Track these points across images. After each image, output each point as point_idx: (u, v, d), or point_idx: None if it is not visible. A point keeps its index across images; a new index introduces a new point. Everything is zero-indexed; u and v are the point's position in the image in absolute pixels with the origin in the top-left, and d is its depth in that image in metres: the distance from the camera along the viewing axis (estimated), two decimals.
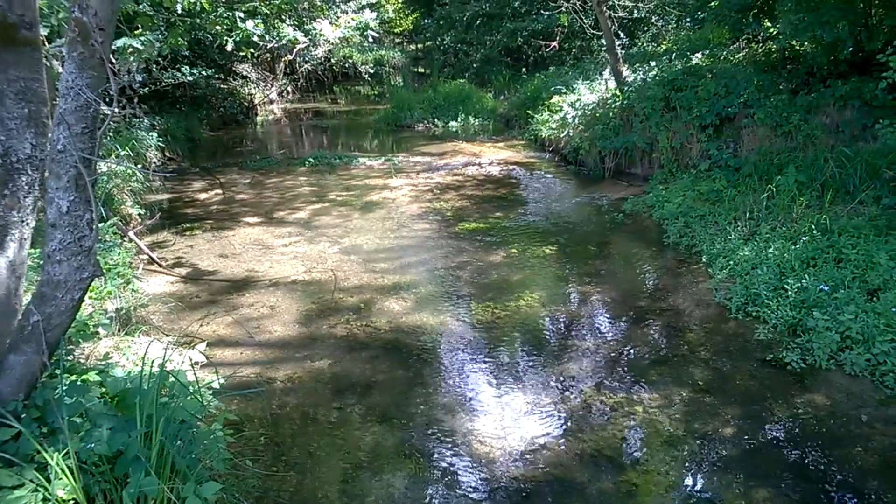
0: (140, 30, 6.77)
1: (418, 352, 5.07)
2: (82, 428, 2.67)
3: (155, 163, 11.25)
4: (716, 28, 11.68)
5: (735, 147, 8.71)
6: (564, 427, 4.07)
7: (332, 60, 22.42)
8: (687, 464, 3.69)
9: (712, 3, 11.49)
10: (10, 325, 3.05)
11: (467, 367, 4.84)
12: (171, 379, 3.09)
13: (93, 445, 2.53)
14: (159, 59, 11.23)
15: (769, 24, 9.91)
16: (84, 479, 2.51)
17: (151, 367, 3.05)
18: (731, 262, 5.98)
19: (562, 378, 4.63)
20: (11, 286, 3.09)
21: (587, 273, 6.49)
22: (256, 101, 19.18)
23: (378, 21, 7.52)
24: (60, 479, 2.41)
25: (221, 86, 17.55)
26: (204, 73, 12.37)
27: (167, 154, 12.50)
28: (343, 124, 17.95)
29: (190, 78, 11.87)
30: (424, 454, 3.86)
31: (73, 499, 2.46)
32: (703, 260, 6.45)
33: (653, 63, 11.15)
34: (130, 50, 6.08)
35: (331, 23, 7.07)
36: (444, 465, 3.76)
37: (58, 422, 2.53)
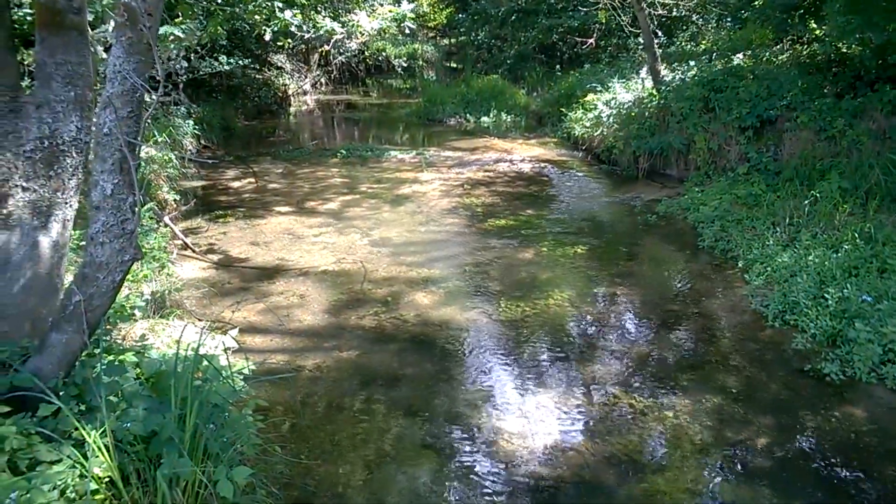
0: (181, 18, 6.84)
1: (445, 346, 5.07)
2: (118, 407, 2.71)
3: (190, 150, 11.39)
4: (758, 28, 11.49)
5: (776, 150, 8.55)
6: (591, 429, 4.04)
7: (366, 53, 22.48)
8: (716, 473, 3.63)
9: (756, 3, 11.30)
10: (52, 303, 3.11)
11: (494, 364, 4.82)
12: (205, 363, 3.12)
13: (129, 425, 2.57)
14: (198, 48, 11.37)
15: (815, 26, 9.72)
16: (119, 458, 2.55)
17: (186, 350, 3.08)
18: (769, 269, 5.87)
19: (589, 379, 4.59)
20: (54, 265, 3.16)
21: (618, 274, 6.42)
22: (290, 92, 19.32)
23: (414, 13, 7.50)
24: (97, 456, 2.45)
25: (257, 76, 17.71)
26: (240, 62, 12.47)
27: (202, 142, 12.65)
28: (375, 117, 18.00)
29: (227, 67, 11.97)
30: (449, 449, 3.85)
31: (109, 476, 2.50)
32: (739, 265, 6.34)
33: (692, 63, 10.99)
34: (172, 38, 6.15)
35: (367, 14, 7.07)
36: (468, 460, 3.75)
37: (95, 400, 2.57)
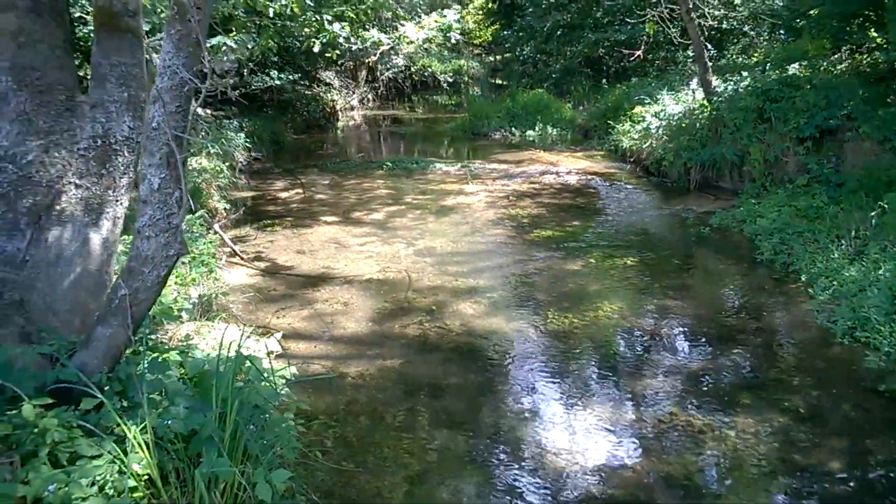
0: (234, 32, 6.96)
1: (490, 357, 4.95)
2: (160, 405, 2.69)
3: (241, 162, 11.58)
4: (815, 39, 11.13)
5: (837, 161, 8.21)
6: (644, 447, 3.85)
7: (412, 69, 22.64)
8: (782, 498, 3.41)
9: (812, 12, 10.96)
10: (101, 300, 3.12)
11: (541, 376, 4.68)
12: (248, 364, 3.09)
13: (169, 422, 2.54)
14: (249, 63, 11.58)
15: (875, 34, 9.35)
16: (159, 455, 2.51)
17: (229, 350, 3.05)
18: (835, 283, 5.58)
19: (642, 395, 4.41)
20: (104, 262, 3.18)
21: (670, 287, 6.21)
22: (338, 107, 19.55)
23: (460, 25, 7.48)
24: (137, 452, 2.41)
25: (306, 92, 17.98)
26: (290, 77, 12.65)
27: (253, 154, 12.85)
28: (420, 131, 18.06)
29: (277, 82, 12.15)
30: (494, 463, 3.73)
31: (148, 474, 2.47)
32: (802, 279, 6.06)
33: (744, 73, 10.70)
34: (224, 49, 6.25)
35: (414, 25, 7.08)
36: (513, 475, 3.62)
37: (138, 397, 2.54)
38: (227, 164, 10.18)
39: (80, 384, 2.53)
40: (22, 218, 2.93)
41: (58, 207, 2.99)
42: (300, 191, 10.51)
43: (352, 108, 21.00)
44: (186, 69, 2.44)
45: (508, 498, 3.44)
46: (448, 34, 7.03)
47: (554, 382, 4.60)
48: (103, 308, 2.74)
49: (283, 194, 10.33)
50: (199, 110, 12.44)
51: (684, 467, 3.64)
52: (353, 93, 21.52)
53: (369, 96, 22.82)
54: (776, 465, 3.63)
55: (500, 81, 25.14)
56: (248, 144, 11.87)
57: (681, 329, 5.41)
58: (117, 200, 3.20)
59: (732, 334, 5.23)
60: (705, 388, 4.46)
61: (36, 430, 2.32)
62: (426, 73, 23.76)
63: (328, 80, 19.71)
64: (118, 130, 3.17)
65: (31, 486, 2.14)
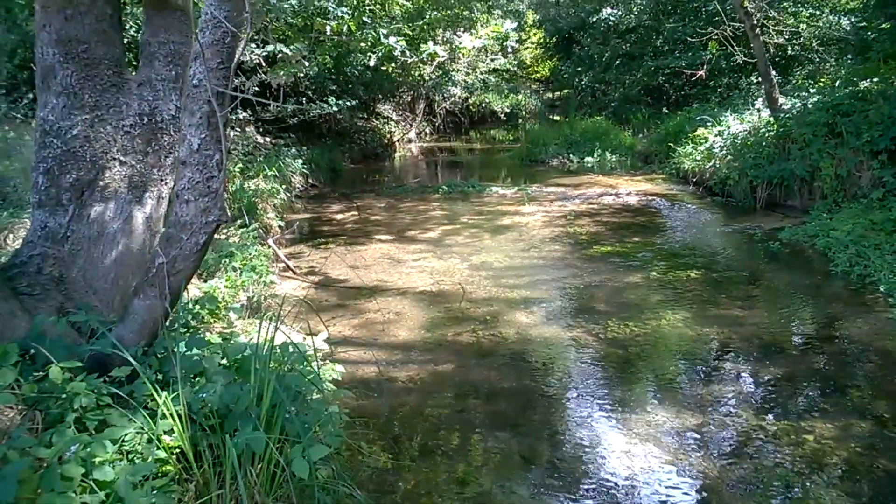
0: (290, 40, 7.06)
1: (547, 363, 4.70)
2: (197, 383, 2.56)
3: (298, 187, 11.73)
4: (887, 58, 10.61)
5: None
6: (714, 450, 3.53)
7: (470, 101, 22.79)
8: (871, 501, 3.03)
9: (884, 25, 10.49)
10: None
11: (601, 381, 4.40)
12: (291, 349, 2.94)
13: (204, 395, 2.40)
14: (307, 89, 11.79)
15: None
16: (192, 430, 2.37)
17: (273, 340, 2.92)
18: None
19: (711, 399, 4.07)
20: (146, 241, 3.12)
21: (739, 297, 5.84)
22: (395, 139, 19.76)
23: (517, 34, 7.41)
24: (168, 421, 2.28)
25: (364, 123, 18.26)
26: (348, 104, 12.80)
27: (310, 181, 13.01)
28: (476, 160, 18.02)
29: (335, 109, 12.32)
30: (550, 466, 3.46)
31: (179, 447, 2.32)
32: (882, 290, 5.61)
33: (812, 90, 10.26)
34: (280, 55, 6.32)
35: (470, 34, 7.04)
36: (571, 477, 3.35)
37: (174, 373, 2.42)
38: (283, 186, 10.30)
39: (116, 358, 2.43)
40: (64, 193, 2.91)
41: (101, 183, 2.96)
42: (355, 213, 10.51)
43: (409, 141, 21.21)
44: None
45: (566, 498, 3.17)
46: (504, 43, 6.94)
47: (616, 386, 4.32)
48: (140, 278, 2.65)
49: (339, 216, 10.36)
50: (259, 138, 12.73)
51: (758, 471, 3.30)
52: (411, 125, 21.76)
53: (427, 129, 23.04)
54: (861, 469, 3.26)
55: (557, 118, 25.04)
56: (305, 171, 12.02)
57: (751, 337, 5.03)
58: (162, 179, 3.15)
59: (808, 343, 4.85)
60: (780, 393, 4.10)
61: (64, 394, 2.21)
62: (483, 107, 23.88)
63: (386, 113, 20.01)
64: (165, 109, 3.15)
65: (52, 448, 2.02)
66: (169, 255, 2.48)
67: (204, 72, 2.36)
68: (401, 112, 21.39)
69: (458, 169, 16.58)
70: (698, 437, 3.66)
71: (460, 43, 6.88)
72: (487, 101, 22.95)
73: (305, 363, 2.95)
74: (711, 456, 3.48)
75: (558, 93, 27.46)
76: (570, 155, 15.48)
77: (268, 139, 12.96)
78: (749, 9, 10.23)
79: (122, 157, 3.02)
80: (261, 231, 7.52)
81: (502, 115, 23.07)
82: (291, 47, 6.52)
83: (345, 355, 4.92)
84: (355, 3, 6.51)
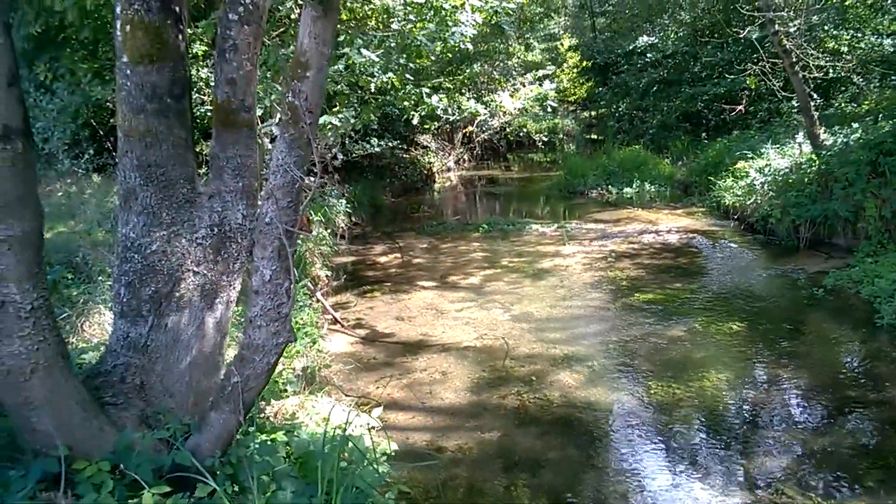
0: (338, 107, 7.38)
1: (591, 430, 4.83)
2: (269, 489, 2.79)
3: (342, 228, 12.05)
4: None
5: None
6: None
7: (507, 130, 23.01)
8: None
9: None
10: (214, 380, 3.30)
11: (644, 451, 4.51)
12: (350, 444, 3.15)
13: None
14: (352, 133, 12.14)
15: None
16: None
17: (334, 432, 3.13)
18: None
19: (754, 472, 4.15)
20: (217, 343, 3.37)
21: (783, 354, 5.87)
22: (435, 170, 20.07)
23: (556, 94, 7.61)
24: None
25: (404, 155, 18.60)
26: (390, 144, 13.15)
27: (353, 219, 13.35)
28: (515, 191, 18.20)
29: (377, 149, 12.67)
30: None
31: None
32: None
33: (855, 125, 10.18)
34: (329, 126, 6.63)
35: (510, 95, 7.26)
36: None
37: (248, 481, 2.65)
38: (328, 230, 10.62)
39: (193, 469, 2.67)
40: (144, 305, 3.17)
41: (177, 294, 3.22)
42: (398, 255, 10.78)
43: (448, 170, 21.50)
44: (297, 167, 2.62)
45: None
46: (544, 103, 7.15)
47: (659, 456, 4.43)
48: (216, 394, 2.90)
49: (382, 259, 10.63)
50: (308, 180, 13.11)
51: None
52: (450, 154, 22.06)
53: (465, 157, 23.31)
54: None
55: (595, 136, 25.09)
56: (348, 210, 12.36)
57: (794, 400, 5.10)
58: (230, 285, 3.41)
59: (852, 406, 4.87)
60: (823, 466, 4.16)
61: None
62: (521, 133, 24.08)
63: (425, 144, 20.35)
64: (233, 218, 3.40)
65: None
66: (243, 374, 2.72)
67: (275, 211, 2.60)
68: (439, 141, 21.71)
69: (497, 200, 16.78)
70: None
71: (500, 102, 7.11)
72: (525, 129, 23.13)
73: (365, 460, 3.15)
74: None
75: (595, 112, 27.51)
76: (609, 186, 15.54)
77: (312, 179, 13.36)
78: (788, 46, 10.22)
79: (195, 268, 3.28)
80: (309, 284, 7.80)
81: (539, 143, 23.21)
82: (340, 116, 6.83)
83: (395, 420, 5.13)
84: (399, 64, 6.78)
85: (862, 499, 3.81)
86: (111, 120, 9.34)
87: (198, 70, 7.67)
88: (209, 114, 7.45)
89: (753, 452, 4.39)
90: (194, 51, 7.34)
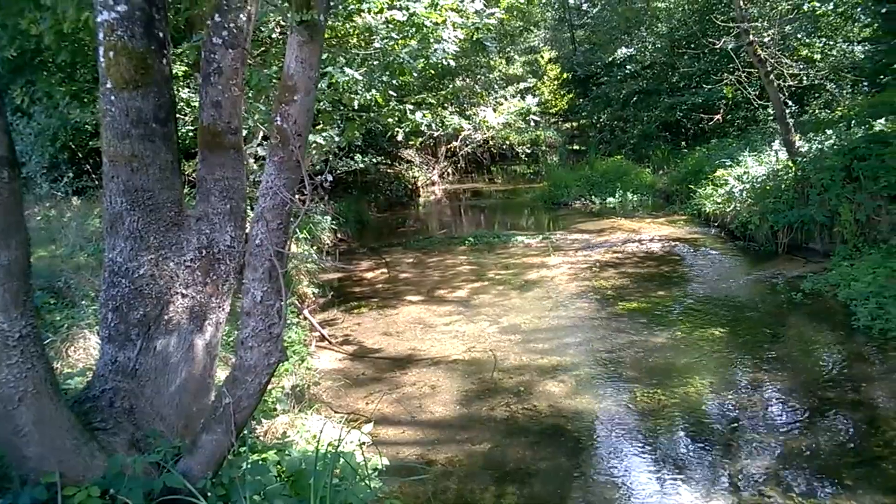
0: (321, 125, 7.44)
1: (580, 439, 4.89)
2: None
3: (328, 244, 12.08)
4: None
5: None
6: None
7: (491, 143, 23.18)
8: None
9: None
10: (205, 402, 3.33)
11: (632, 458, 4.58)
12: (342, 461, 3.19)
13: None
14: (337, 150, 12.20)
15: None
16: None
17: (326, 450, 3.17)
18: None
19: (737, 475, 4.23)
20: (206, 366, 3.40)
21: (763, 359, 5.98)
22: (419, 184, 20.17)
23: (538, 107, 7.73)
24: None
25: (388, 171, 18.69)
26: (374, 160, 13.21)
27: (339, 235, 13.39)
28: (500, 203, 18.34)
29: (362, 165, 12.73)
30: None
31: None
32: None
33: (829, 132, 10.41)
34: (314, 145, 6.69)
35: (493, 109, 7.36)
36: None
37: (240, 501, 2.68)
38: (314, 247, 10.65)
39: (185, 491, 2.69)
40: (133, 329, 3.20)
41: (165, 317, 3.26)
42: (385, 270, 10.82)
43: (432, 184, 21.61)
44: (287, 189, 2.67)
45: None
46: (527, 117, 7.25)
47: (646, 463, 4.50)
48: (208, 413, 2.93)
49: (369, 274, 10.67)
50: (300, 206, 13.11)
51: None
52: (434, 168, 22.18)
53: (449, 170, 23.45)
54: None
55: (577, 147, 25.34)
56: (334, 227, 12.39)
57: (776, 403, 5.20)
58: (219, 306, 3.45)
59: (831, 407, 4.98)
60: (804, 466, 4.25)
61: None
62: (504, 145, 24.27)
63: (409, 158, 20.46)
64: (221, 240, 3.45)
65: None
66: (235, 395, 2.76)
67: (265, 232, 2.66)
68: (423, 156, 21.83)
69: (482, 213, 16.89)
70: None
71: (484, 118, 7.22)
72: (509, 141, 23.33)
73: (357, 476, 3.19)
74: None
75: (577, 123, 27.79)
76: (592, 196, 15.73)
77: (297, 197, 13.37)
78: (762, 56, 10.44)
79: (183, 291, 3.32)
80: (296, 301, 7.82)
81: (522, 156, 23.41)
82: (324, 135, 6.89)
83: (385, 434, 5.17)
84: (382, 81, 6.85)
85: (842, 497, 3.90)
86: (90, 143, 9.31)
87: (178, 90, 7.69)
88: (191, 134, 7.51)
89: (737, 455, 4.47)
90: (174, 72, 7.37)
